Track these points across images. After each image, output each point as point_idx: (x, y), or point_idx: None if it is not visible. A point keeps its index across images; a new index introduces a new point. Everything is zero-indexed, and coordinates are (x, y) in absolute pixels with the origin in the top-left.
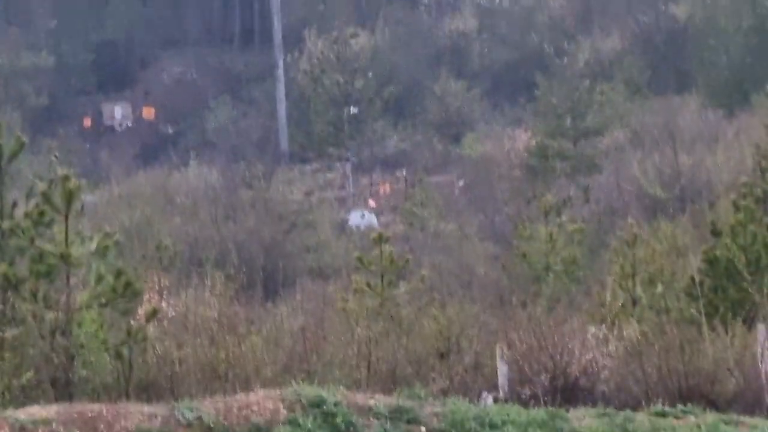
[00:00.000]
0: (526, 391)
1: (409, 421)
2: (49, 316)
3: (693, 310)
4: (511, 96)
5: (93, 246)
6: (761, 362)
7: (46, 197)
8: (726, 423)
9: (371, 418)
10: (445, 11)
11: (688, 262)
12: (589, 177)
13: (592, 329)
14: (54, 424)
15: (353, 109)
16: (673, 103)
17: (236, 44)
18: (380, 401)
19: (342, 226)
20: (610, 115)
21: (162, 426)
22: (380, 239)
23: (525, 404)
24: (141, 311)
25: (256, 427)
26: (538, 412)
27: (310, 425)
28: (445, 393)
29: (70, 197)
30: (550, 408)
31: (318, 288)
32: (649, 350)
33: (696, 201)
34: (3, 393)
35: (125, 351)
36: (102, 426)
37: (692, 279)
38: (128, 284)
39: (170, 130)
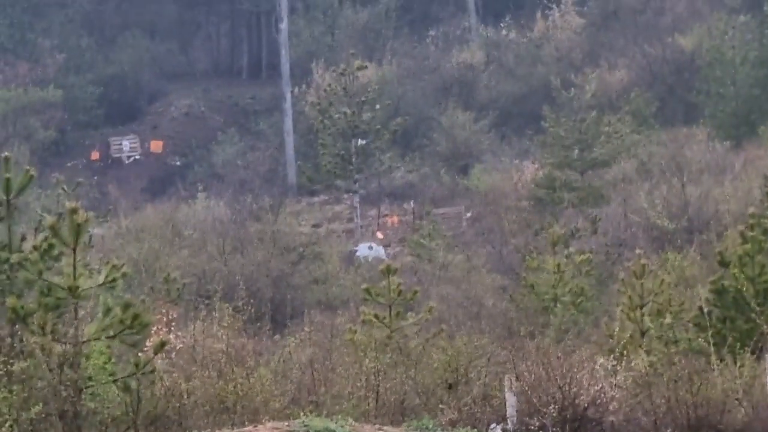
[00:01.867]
0: (535, 423)
1: None
2: (57, 348)
3: (701, 341)
4: (518, 128)
5: (101, 279)
6: None
7: (55, 230)
8: None
9: None
10: (452, 44)
11: (696, 293)
12: (597, 208)
13: (601, 360)
14: None
15: (361, 142)
16: (681, 134)
17: (244, 77)
18: None
19: (350, 258)
20: (618, 146)
21: None
22: (388, 271)
23: None
24: (149, 344)
25: None
26: None
27: None
28: (453, 424)
29: (78, 230)
30: None
31: (326, 320)
32: (657, 381)
33: (704, 232)
34: (11, 426)
35: (133, 383)
36: None
37: (700, 310)
38: (136, 317)
39: (178, 163)
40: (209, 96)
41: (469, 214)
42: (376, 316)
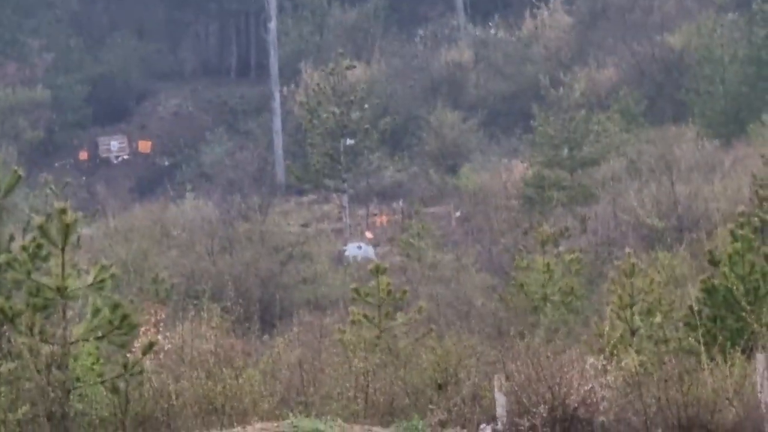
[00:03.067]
0: (525, 423)
1: None
2: (45, 349)
3: (692, 340)
4: (507, 127)
5: (90, 279)
6: (761, 392)
7: (43, 230)
8: None
9: None
10: (440, 43)
11: (686, 292)
12: (586, 207)
13: (591, 360)
14: None
15: (349, 141)
16: (670, 132)
17: (232, 77)
18: None
19: (339, 258)
20: (607, 145)
21: None
22: (377, 271)
23: None
24: (137, 344)
25: None
26: None
27: None
28: (443, 425)
29: (66, 230)
30: None
31: (315, 320)
32: (648, 381)
33: (693, 231)
34: None
35: (121, 384)
36: None
37: (690, 309)
38: (125, 317)
39: (166, 163)
40: (198, 96)
41: (458, 214)
42: (365, 316)
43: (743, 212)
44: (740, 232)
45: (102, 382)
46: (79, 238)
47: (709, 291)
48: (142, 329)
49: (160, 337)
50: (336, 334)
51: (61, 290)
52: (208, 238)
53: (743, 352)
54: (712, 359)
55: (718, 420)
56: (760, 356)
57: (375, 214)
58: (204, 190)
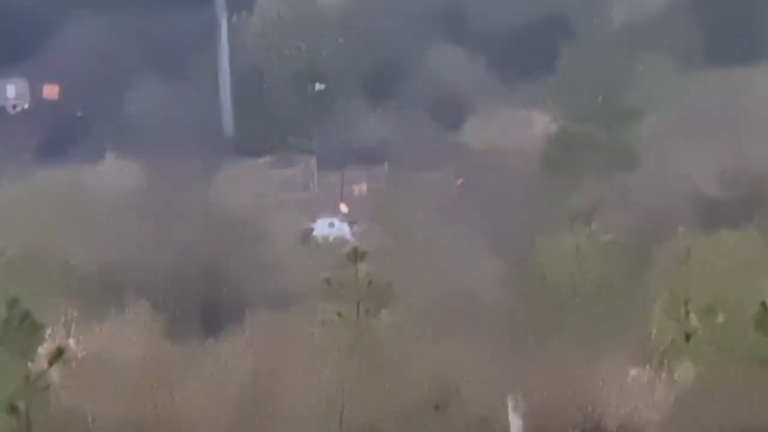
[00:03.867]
0: None
1: None
2: None
3: (765, 346)
4: (524, 69)
5: None
6: None
7: None
8: None
9: None
10: None
11: (758, 284)
12: (627, 173)
13: (634, 371)
14: None
15: (319, 86)
16: (738, 76)
17: (167, 2)
18: None
19: (305, 238)
20: (655, 92)
21: None
22: (355, 255)
23: None
24: (42, 351)
25: None
26: None
27: None
28: None
29: None
30: None
31: (274, 319)
32: (707, 399)
33: (767, 204)
34: None
35: (21, 403)
36: None
37: (763, 305)
38: (25, 316)
39: (79, 114)
40: (121, 28)
41: (460, 181)
42: (339, 315)
43: None
44: None
45: None
46: None
47: None
48: (49, 331)
49: (71, 341)
50: (302, 337)
51: None
52: (134, 214)
53: None
54: None
55: None
56: None
57: (352, 182)
58: (129, 150)
